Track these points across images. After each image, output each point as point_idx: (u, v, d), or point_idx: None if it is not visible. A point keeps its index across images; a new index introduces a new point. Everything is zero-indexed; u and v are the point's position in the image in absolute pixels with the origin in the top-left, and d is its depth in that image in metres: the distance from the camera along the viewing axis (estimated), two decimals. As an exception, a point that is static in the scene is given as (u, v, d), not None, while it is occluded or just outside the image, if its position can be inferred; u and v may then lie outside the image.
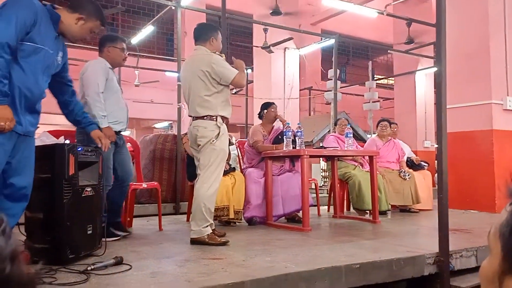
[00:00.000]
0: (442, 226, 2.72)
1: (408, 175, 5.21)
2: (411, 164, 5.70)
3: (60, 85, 2.55)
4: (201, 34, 3.25)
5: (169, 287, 1.98)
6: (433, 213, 4.97)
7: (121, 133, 3.40)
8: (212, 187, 3.07)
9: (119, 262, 2.39)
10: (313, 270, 2.30)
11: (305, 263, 2.44)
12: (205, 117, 3.11)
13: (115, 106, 3.27)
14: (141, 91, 11.54)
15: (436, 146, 2.78)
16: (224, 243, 3.05)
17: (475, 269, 2.92)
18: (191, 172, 3.49)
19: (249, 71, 10.83)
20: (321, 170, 9.19)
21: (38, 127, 2.35)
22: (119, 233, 3.38)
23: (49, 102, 2.44)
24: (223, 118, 3.15)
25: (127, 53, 3.48)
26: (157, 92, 12.48)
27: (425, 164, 5.85)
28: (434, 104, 10.62)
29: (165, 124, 15.18)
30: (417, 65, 10.59)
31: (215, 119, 3.11)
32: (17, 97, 2.14)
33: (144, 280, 2.12)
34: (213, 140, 3.07)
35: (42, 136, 2.71)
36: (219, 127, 3.10)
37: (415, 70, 10.55)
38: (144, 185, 3.91)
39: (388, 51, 10.86)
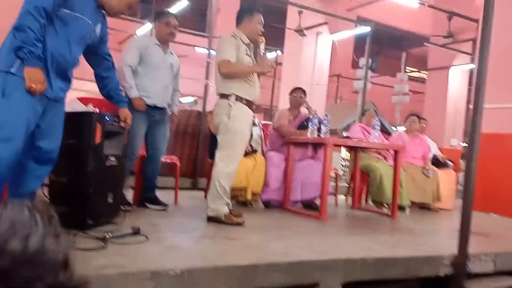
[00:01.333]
0: (464, 228, 2.65)
1: (432, 172, 5.10)
2: (436, 162, 5.58)
3: (97, 57, 2.56)
4: (237, 19, 3.30)
5: (185, 263, 2.00)
6: (453, 213, 4.88)
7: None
8: (229, 167, 3.05)
9: (136, 232, 2.42)
10: (328, 260, 2.29)
11: (321, 253, 2.42)
12: (221, 96, 3.12)
13: (149, 81, 3.32)
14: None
15: (464, 145, 2.69)
16: (239, 224, 3.06)
17: (492, 275, 2.86)
18: (214, 150, 3.49)
19: (279, 52, 10.72)
20: (341, 159, 9.08)
21: (68, 93, 2.38)
22: (156, 207, 3.45)
23: (81, 68, 2.45)
24: (239, 97, 3.09)
25: (176, 29, 3.42)
26: (186, 67, 12.46)
27: (451, 164, 5.71)
28: (466, 102, 10.34)
29: (191, 99, 15.24)
30: (452, 61, 10.25)
31: (228, 98, 3.08)
32: (49, 62, 2.16)
33: (160, 253, 2.15)
34: (225, 120, 3.05)
35: (72, 103, 2.74)
36: (231, 106, 3.06)
37: (450, 66, 10.22)
38: (163, 158, 3.92)
39: (424, 43, 10.49)
